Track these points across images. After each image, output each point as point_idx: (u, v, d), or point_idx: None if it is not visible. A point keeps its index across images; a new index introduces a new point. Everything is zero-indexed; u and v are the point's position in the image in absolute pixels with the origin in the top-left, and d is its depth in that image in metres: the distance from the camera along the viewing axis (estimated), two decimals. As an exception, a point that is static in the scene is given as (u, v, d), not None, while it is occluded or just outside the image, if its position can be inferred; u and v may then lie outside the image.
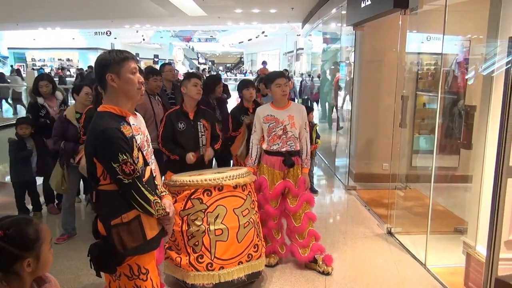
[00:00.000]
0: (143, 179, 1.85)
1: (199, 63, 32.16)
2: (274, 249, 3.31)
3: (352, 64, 6.01)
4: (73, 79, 16.22)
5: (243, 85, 4.05)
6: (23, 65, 23.57)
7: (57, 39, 23.04)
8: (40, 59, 24.61)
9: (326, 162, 7.26)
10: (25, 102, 13.18)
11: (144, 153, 1.95)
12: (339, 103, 7.91)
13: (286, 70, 12.82)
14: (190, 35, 29.79)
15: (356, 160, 5.79)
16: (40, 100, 4.28)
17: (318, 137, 5.13)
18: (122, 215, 1.80)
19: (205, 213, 2.70)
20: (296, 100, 11.30)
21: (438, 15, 3.34)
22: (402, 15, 3.96)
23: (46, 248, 1.32)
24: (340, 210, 5.10)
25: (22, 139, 4.14)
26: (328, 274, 3.19)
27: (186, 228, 2.71)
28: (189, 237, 2.71)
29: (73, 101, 4.20)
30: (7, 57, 23.53)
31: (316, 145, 5.07)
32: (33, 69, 20.60)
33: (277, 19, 15.61)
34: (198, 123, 3.27)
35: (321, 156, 7.51)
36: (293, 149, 3.18)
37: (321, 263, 3.24)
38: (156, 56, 27.11)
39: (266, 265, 3.13)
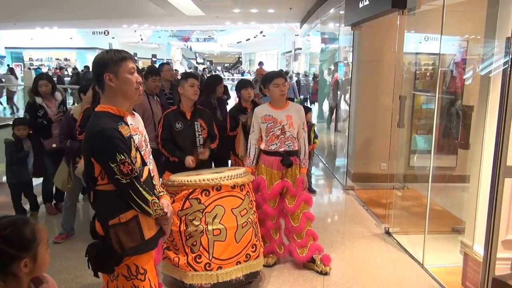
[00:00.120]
0: (141, 179, 1.84)
1: (197, 63, 32.12)
2: (272, 249, 3.31)
3: (350, 64, 6.02)
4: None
5: (241, 85, 4.05)
6: (21, 65, 23.51)
7: (54, 38, 22.96)
8: (38, 59, 24.52)
9: (324, 162, 7.27)
10: (16, 102, 13.15)
11: (142, 153, 1.94)
12: (337, 103, 7.91)
13: (281, 70, 12.82)
14: (188, 35, 29.77)
15: (354, 160, 5.80)
16: (38, 100, 4.24)
17: (316, 137, 5.13)
18: (120, 215, 1.80)
19: (203, 213, 2.70)
20: (295, 100, 11.29)
21: (436, 15, 3.35)
22: (400, 15, 3.96)
23: (43, 248, 1.32)
24: (338, 210, 5.10)
25: (19, 140, 4.10)
26: (326, 274, 3.20)
27: (184, 228, 2.71)
28: (187, 237, 2.71)
29: (71, 101, 4.20)
30: (4, 57, 23.46)
31: (314, 145, 5.07)
32: (29, 68, 20.51)
33: (275, 19, 15.61)
34: (195, 123, 3.27)
35: (319, 156, 7.52)
36: (291, 149, 3.18)
37: (319, 263, 3.24)
38: (154, 55, 27.08)
39: (264, 265, 3.13)
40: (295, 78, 13.43)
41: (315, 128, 5.20)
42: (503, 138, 2.29)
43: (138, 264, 1.87)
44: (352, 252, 3.68)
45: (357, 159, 5.77)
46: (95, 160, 1.78)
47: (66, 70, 18.85)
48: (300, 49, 18.16)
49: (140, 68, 5.54)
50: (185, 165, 3.14)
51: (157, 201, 1.88)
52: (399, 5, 3.84)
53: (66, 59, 24.13)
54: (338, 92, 7.41)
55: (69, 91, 10.49)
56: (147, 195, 1.81)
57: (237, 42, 29.48)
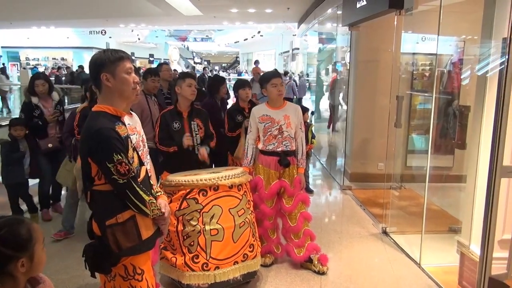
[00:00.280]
0: (138, 179, 1.84)
1: (194, 62, 32.07)
2: (270, 249, 3.31)
3: (348, 64, 6.03)
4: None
5: (239, 85, 4.05)
6: (17, 64, 23.39)
7: (51, 38, 22.86)
8: (34, 58, 24.40)
9: (322, 162, 7.27)
10: (13, 102, 13.09)
11: (140, 153, 1.94)
12: (335, 103, 7.92)
13: (276, 69, 12.82)
14: (186, 34, 29.70)
15: (351, 160, 5.81)
16: (34, 99, 4.18)
17: (313, 137, 5.14)
18: (117, 215, 1.79)
19: (201, 213, 2.69)
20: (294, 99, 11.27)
21: (433, 15, 3.36)
22: (397, 16, 3.97)
23: (39, 248, 1.31)
24: (336, 209, 5.11)
25: (16, 141, 4.04)
26: (323, 273, 3.20)
27: (182, 228, 2.71)
28: (185, 237, 2.71)
29: (67, 101, 4.18)
30: (1, 56, 23.33)
31: (311, 145, 5.08)
32: (24, 68, 20.39)
33: (273, 19, 15.61)
34: (192, 122, 3.26)
35: (317, 156, 7.53)
36: (288, 149, 3.18)
37: (316, 262, 3.24)
38: (151, 55, 27.00)
39: (261, 265, 3.13)
40: (294, 78, 13.44)
41: (313, 128, 5.21)
42: (500, 138, 2.30)
43: (135, 265, 1.87)
44: (349, 252, 3.69)
45: (354, 159, 5.79)
46: (92, 160, 1.77)
47: (64, 70, 18.75)
48: (298, 49, 18.18)
49: (137, 67, 5.50)
50: (184, 146, 3.13)
51: (155, 201, 1.87)
52: (396, 6, 3.85)
53: (63, 59, 24.02)
54: (336, 92, 7.42)
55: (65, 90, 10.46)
56: (144, 195, 1.81)
57: (235, 42, 29.44)
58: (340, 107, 7.13)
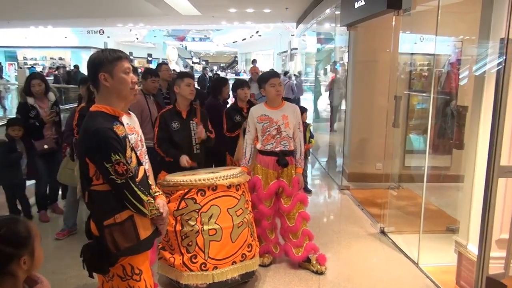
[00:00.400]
0: (137, 179, 1.84)
1: (193, 62, 32.03)
2: (268, 249, 3.31)
3: (346, 64, 6.04)
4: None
5: (237, 85, 4.05)
6: (15, 64, 23.30)
7: (49, 37, 22.79)
8: (32, 58, 24.32)
9: (320, 162, 7.28)
10: (10, 102, 13.05)
11: (138, 153, 1.94)
12: (334, 103, 7.93)
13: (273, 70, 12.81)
14: (184, 34, 29.66)
15: (349, 160, 5.82)
16: (30, 100, 4.10)
17: (312, 136, 5.15)
18: (115, 215, 1.79)
19: (199, 213, 2.69)
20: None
21: (431, 16, 3.37)
22: (396, 16, 3.98)
23: (38, 244, 1.33)
24: (334, 209, 5.12)
25: (13, 141, 3.99)
26: (321, 273, 3.21)
27: (180, 228, 2.70)
28: (183, 237, 2.71)
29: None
30: (-3, 56, 23.29)
31: (309, 145, 5.08)
32: (20, 68, 20.29)
33: (271, 19, 15.60)
34: (191, 122, 3.26)
35: (315, 156, 7.53)
36: (287, 149, 3.18)
37: (314, 262, 3.25)
38: (149, 55, 26.96)
39: (260, 265, 3.13)
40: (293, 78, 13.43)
41: (311, 128, 5.21)
42: (497, 138, 2.31)
43: (134, 265, 1.86)
44: (347, 251, 3.69)
45: (352, 159, 5.79)
46: (90, 160, 1.77)
47: (63, 70, 18.68)
48: (296, 49, 18.18)
49: (136, 67, 5.49)
50: (180, 165, 3.13)
51: (153, 201, 1.87)
52: (395, 6, 3.86)
53: (60, 58, 23.94)
54: (335, 92, 7.43)
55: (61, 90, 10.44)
56: (142, 195, 1.80)
57: (233, 42, 29.42)
58: (338, 107, 7.14)
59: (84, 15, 14.10)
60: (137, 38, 25.87)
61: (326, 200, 5.52)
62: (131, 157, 1.83)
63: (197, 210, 2.69)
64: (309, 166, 6.32)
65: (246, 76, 18.10)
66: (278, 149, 3.16)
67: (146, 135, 3.29)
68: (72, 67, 16.90)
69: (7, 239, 1.24)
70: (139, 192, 1.79)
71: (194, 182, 2.71)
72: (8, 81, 18.64)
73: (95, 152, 1.75)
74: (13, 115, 4.48)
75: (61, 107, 4.84)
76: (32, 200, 4.45)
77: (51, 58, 24.19)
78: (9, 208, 4.16)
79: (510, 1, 2.36)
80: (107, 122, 1.78)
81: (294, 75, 13.29)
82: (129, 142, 1.85)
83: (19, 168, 4.04)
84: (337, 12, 6.06)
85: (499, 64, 2.31)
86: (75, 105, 4.42)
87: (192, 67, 26.23)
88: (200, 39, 30.92)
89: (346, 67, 5.98)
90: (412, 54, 5.46)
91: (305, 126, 4.75)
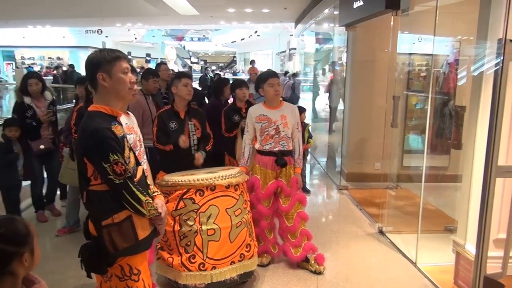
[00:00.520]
0: (135, 179, 1.84)
1: (191, 62, 32.01)
2: (267, 249, 3.31)
3: (345, 64, 6.05)
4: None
5: (236, 85, 4.06)
6: (12, 63, 23.24)
7: (47, 37, 22.74)
8: (30, 57, 24.25)
9: (319, 162, 7.29)
10: (8, 101, 13.01)
11: (136, 153, 1.94)
12: (332, 103, 7.93)
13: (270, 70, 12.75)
14: (183, 34, 29.64)
15: (348, 160, 5.82)
16: (27, 99, 4.05)
17: (310, 136, 5.15)
18: (113, 216, 1.79)
19: (197, 213, 2.69)
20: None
21: (429, 16, 3.38)
22: (394, 16, 3.99)
23: (36, 242, 1.34)
24: (332, 209, 5.12)
25: (10, 142, 3.92)
26: (320, 273, 3.21)
27: (178, 228, 2.70)
28: (181, 237, 2.70)
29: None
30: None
31: (308, 145, 5.09)
32: (17, 67, 20.22)
33: (270, 19, 15.60)
34: (189, 122, 3.26)
35: (314, 156, 7.54)
36: (285, 149, 3.19)
37: (313, 262, 3.25)
38: (148, 55, 26.92)
39: (258, 265, 3.13)
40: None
41: (309, 128, 5.21)
42: (495, 138, 2.31)
43: (132, 265, 1.86)
44: (346, 251, 3.70)
45: (351, 159, 5.80)
46: (88, 160, 1.77)
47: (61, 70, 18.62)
48: (295, 49, 18.20)
49: (135, 67, 5.48)
50: (180, 146, 3.12)
51: (151, 201, 1.87)
52: (393, 6, 3.87)
53: (59, 58, 23.88)
54: (333, 93, 7.44)
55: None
56: (140, 195, 1.80)
57: (232, 42, 29.41)
58: (337, 107, 7.15)
59: (82, 14, 14.07)
60: (135, 38, 25.85)
61: (324, 200, 5.53)
62: (129, 157, 1.83)
63: (195, 210, 2.69)
64: (307, 166, 6.32)
65: (244, 76, 18.09)
66: (276, 149, 3.16)
67: (147, 136, 3.31)
68: (60, 66, 16.83)
69: (7, 237, 1.25)
70: (137, 192, 1.79)
71: (192, 182, 2.71)
72: (6, 81, 18.59)
73: (93, 152, 1.75)
74: (11, 115, 4.41)
75: (59, 106, 4.83)
76: (28, 201, 4.42)
77: (49, 58, 24.13)
78: (6, 209, 4.13)
79: (507, 2, 2.37)
80: (105, 122, 1.77)
81: (289, 76, 13.27)
82: (128, 142, 1.85)
83: (15, 169, 3.96)
84: (336, 12, 6.07)
85: (496, 64, 2.32)
86: (72, 104, 4.41)
87: (190, 67, 26.22)
88: (199, 39, 30.90)
89: (345, 67, 5.99)
90: (410, 54, 5.47)
91: (304, 126, 4.75)
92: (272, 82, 3.15)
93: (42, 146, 4.09)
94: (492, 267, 2.50)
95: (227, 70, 30.62)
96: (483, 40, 2.77)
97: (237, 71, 27.91)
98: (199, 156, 3.24)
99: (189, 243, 2.69)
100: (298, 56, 17.06)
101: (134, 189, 1.79)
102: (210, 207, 2.71)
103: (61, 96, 10.25)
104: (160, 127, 3.23)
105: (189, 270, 2.68)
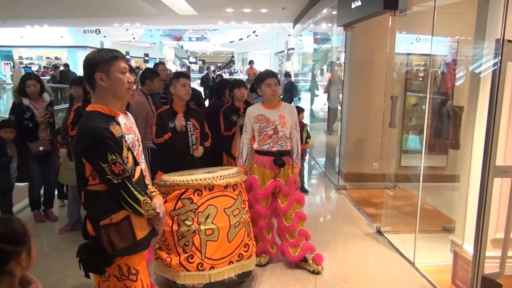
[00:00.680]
0: (133, 179, 1.83)
1: (189, 62, 31.99)
2: (265, 249, 3.31)
3: (343, 64, 6.05)
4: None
5: (234, 85, 4.06)
6: (10, 63, 23.17)
7: (45, 37, 22.68)
8: (28, 57, 24.17)
9: (317, 162, 7.29)
10: (6, 102, 12.95)
11: (135, 153, 1.93)
12: (331, 103, 7.95)
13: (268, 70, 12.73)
14: (181, 34, 29.59)
15: (346, 160, 5.83)
16: (25, 101, 4.00)
17: (309, 137, 5.15)
18: (112, 216, 1.79)
19: (196, 213, 2.69)
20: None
21: (427, 16, 3.38)
22: (392, 16, 4.00)
23: (33, 242, 1.34)
24: (330, 209, 5.13)
25: (3, 144, 3.85)
26: (318, 273, 3.21)
27: (177, 228, 2.70)
28: (180, 237, 2.70)
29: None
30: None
31: (307, 145, 5.09)
32: (13, 67, 20.15)
33: (268, 19, 15.59)
34: (188, 122, 3.26)
35: (312, 156, 7.55)
36: (284, 149, 3.19)
37: (311, 262, 3.25)
38: (146, 55, 26.89)
39: (256, 265, 3.13)
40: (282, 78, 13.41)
41: (308, 128, 5.22)
42: (493, 138, 2.32)
43: (130, 265, 1.86)
44: (344, 251, 3.70)
45: (349, 159, 5.81)
46: (86, 160, 1.76)
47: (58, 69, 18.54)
48: (293, 49, 18.20)
49: (134, 67, 5.46)
50: (177, 129, 3.12)
51: (149, 201, 1.86)
52: (391, 6, 3.87)
53: (57, 58, 23.82)
54: (331, 93, 7.45)
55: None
56: (139, 195, 1.80)
57: (230, 42, 29.38)
58: (335, 107, 7.16)
59: (80, 14, 14.04)
60: (133, 38, 25.79)
61: (322, 200, 5.54)
62: (127, 157, 1.82)
63: (193, 210, 2.69)
64: (306, 166, 6.32)
65: (242, 76, 18.08)
66: (275, 149, 3.17)
67: (150, 136, 3.31)
68: (56, 65, 16.76)
69: (5, 237, 1.25)
70: (135, 192, 1.79)
71: (190, 182, 2.71)
72: (4, 81, 18.53)
73: (91, 152, 1.74)
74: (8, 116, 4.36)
75: (56, 106, 4.81)
76: (25, 202, 4.40)
77: (47, 58, 24.06)
78: (1, 210, 4.10)
79: (505, 2, 2.38)
80: (104, 122, 1.77)
81: (285, 74, 13.25)
82: (126, 142, 1.85)
83: (8, 172, 3.86)
84: (334, 12, 6.07)
85: (494, 64, 2.33)
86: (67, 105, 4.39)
87: (189, 67, 26.20)
88: (197, 39, 30.87)
89: (343, 67, 5.99)
90: (408, 54, 5.48)
91: (302, 126, 4.76)
92: (269, 82, 3.15)
93: (41, 148, 4.05)
94: (490, 267, 2.50)
95: (225, 70, 30.61)
96: (481, 40, 2.77)
97: (234, 71, 27.89)
98: (200, 150, 3.25)
99: (187, 243, 2.69)
100: (296, 56, 17.06)
101: (132, 189, 1.78)
102: (208, 207, 2.71)
103: (59, 96, 10.22)
104: (159, 126, 3.23)
105: (187, 270, 2.67)
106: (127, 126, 1.93)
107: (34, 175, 4.10)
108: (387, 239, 3.93)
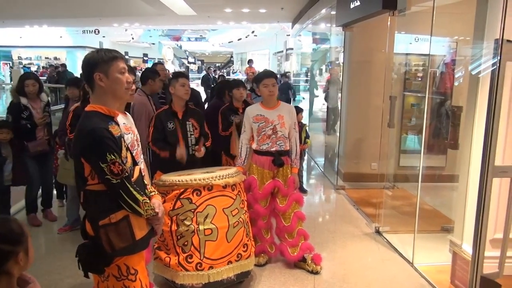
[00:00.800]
0: (132, 179, 1.83)
1: (188, 62, 31.97)
2: (264, 249, 3.31)
3: (342, 64, 6.05)
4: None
5: (233, 85, 4.06)
6: (9, 63, 23.14)
7: (44, 37, 22.65)
8: (27, 57, 24.14)
9: (316, 162, 7.29)
10: (5, 102, 12.93)
11: (134, 152, 1.93)
12: (329, 104, 7.95)
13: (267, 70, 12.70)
14: (180, 34, 29.58)
15: (345, 160, 5.83)
16: (23, 100, 3.97)
17: (307, 137, 5.15)
18: (111, 216, 1.78)
19: (195, 213, 2.69)
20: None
21: (426, 16, 3.39)
22: (391, 16, 4.00)
23: (30, 242, 1.34)
24: (329, 209, 5.13)
25: None
26: (317, 273, 3.21)
27: (176, 228, 2.70)
28: (178, 237, 2.70)
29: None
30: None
31: (305, 145, 5.09)
32: (12, 67, 20.12)
33: (267, 19, 15.60)
34: (187, 122, 3.25)
35: (311, 156, 7.55)
36: (282, 149, 3.19)
37: (310, 262, 3.25)
38: (145, 55, 26.88)
39: (255, 265, 3.13)
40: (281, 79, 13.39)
41: (307, 128, 5.22)
42: (491, 139, 2.32)
43: (129, 265, 1.86)
44: (342, 251, 3.70)
45: (348, 159, 5.81)
46: (85, 160, 1.76)
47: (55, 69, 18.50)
48: (292, 49, 18.21)
49: (132, 67, 5.48)
50: (177, 158, 3.11)
51: (148, 201, 1.86)
52: (390, 6, 3.88)
53: (56, 58, 23.79)
54: (330, 93, 7.45)
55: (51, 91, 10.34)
56: (138, 195, 1.80)
57: (229, 42, 29.38)
58: (334, 107, 7.16)
59: (79, 14, 14.03)
60: (132, 38, 25.77)
61: (321, 200, 5.54)
62: (126, 157, 1.82)
63: (192, 210, 2.69)
64: (304, 166, 6.33)
65: (241, 76, 18.08)
66: (273, 149, 3.17)
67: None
68: (53, 65, 16.72)
69: (3, 237, 1.25)
70: (134, 192, 1.79)
71: (189, 182, 2.70)
72: (3, 81, 18.51)
73: (90, 152, 1.74)
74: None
75: (55, 107, 4.80)
76: (21, 204, 4.37)
77: (46, 58, 24.04)
78: None
79: (504, 2, 2.38)
80: (103, 122, 1.77)
81: (281, 75, 13.24)
82: (125, 142, 1.85)
83: (1, 174, 3.76)
84: (333, 12, 6.07)
85: (493, 64, 2.33)
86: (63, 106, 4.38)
87: (187, 67, 26.19)
88: (196, 39, 30.86)
89: (342, 68, 5.99)
90: (407, 54, 5.49)
91: (301, 126, 4.76)
92: (267, 82, 3.15)
93: (39, 148, 4.03)
94: (489, 267, 2.50)
95: (224, 70, 30.63)
96: (480, 40, 2.78)
97: (232, 71, 27.88)
98: (200, 149, 3.25)
99: (186, 243, 2.69)
100: (295, 56, 17.07)
101: (131, 189, 1.78)
102: (207, 207, 2.71)
103: (58, 96, 10.20)
104: (157, 128, 3.22)
105: (186, 270, 2.67)
106: (126, 126, 1.93)
107: (33, 175, 4.06)
108: (386, 239, 3.93)
